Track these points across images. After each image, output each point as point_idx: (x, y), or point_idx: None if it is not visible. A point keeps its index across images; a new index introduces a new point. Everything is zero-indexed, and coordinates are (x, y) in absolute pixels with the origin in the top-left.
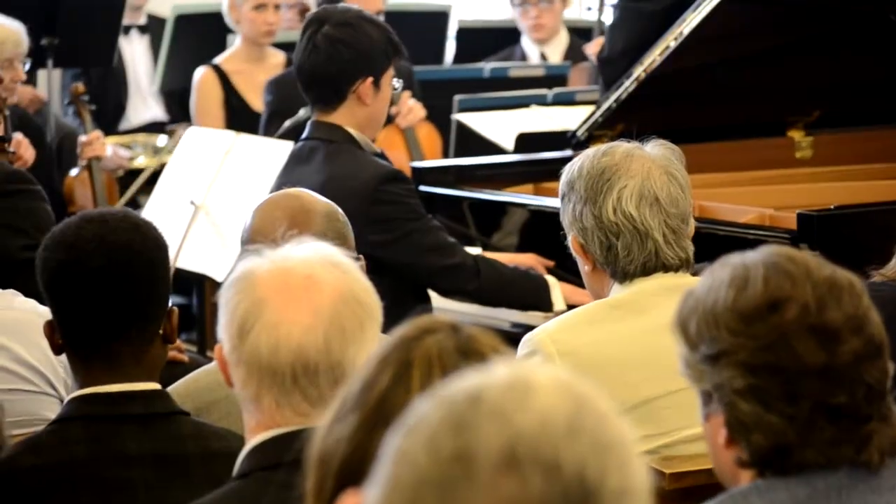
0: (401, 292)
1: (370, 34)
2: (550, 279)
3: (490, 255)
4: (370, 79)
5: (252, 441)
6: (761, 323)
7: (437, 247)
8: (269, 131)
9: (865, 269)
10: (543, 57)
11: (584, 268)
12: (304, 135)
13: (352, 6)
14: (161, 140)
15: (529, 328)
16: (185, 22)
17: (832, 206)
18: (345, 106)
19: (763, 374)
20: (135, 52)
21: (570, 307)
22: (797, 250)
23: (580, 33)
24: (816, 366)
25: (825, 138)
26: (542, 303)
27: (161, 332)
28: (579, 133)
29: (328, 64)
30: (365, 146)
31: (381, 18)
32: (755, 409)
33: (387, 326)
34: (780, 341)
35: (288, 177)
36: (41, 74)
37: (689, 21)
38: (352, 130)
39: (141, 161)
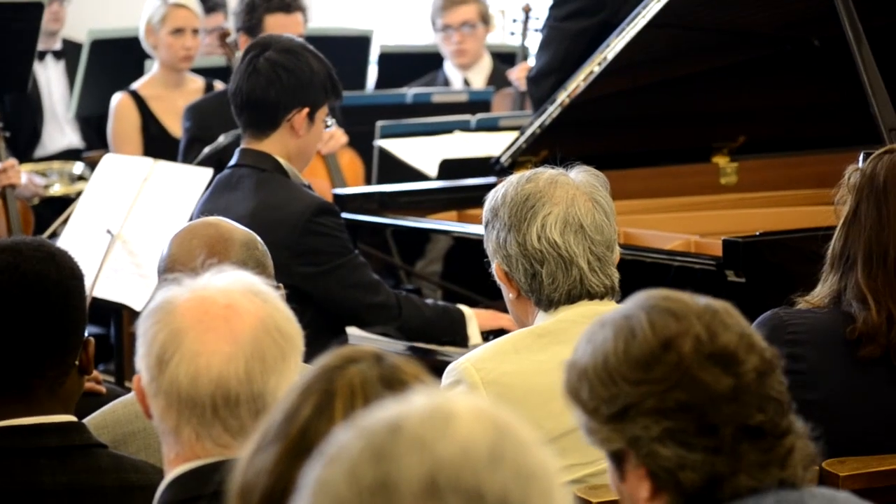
0: (322, 322)
1: (312, 66)
2: (467, 312)
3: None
4: (306, 110)
5: (171, 474)
6: (660, 365)
7: (363, 284)
8: (188, 158)
9: (791, 296)
10: (466, 82)
11: (508, 295)
12: (233, 161)
13: (295, 37)
14: (77, 167)
15: (423, 351)
16: (102, 47)
17: (757, 233)
18: (277, 134)
19: (676, 414)
20: (50, 78)
21: (497, 331)
22: (668, 290)
23: (504, 58)
24: (726, 391)
25: (750, 164)
26: (459, 338)
27: (77, 363)
28: (503, 159)
29: (267, 88)
30: (293, 177)
31: None
32: (677, 451)
33: (308, 356)
34: (684, 377)
35: (214, 203)
36: None
37: (614, 46)
38: (281, 160)
39: (56, 189)
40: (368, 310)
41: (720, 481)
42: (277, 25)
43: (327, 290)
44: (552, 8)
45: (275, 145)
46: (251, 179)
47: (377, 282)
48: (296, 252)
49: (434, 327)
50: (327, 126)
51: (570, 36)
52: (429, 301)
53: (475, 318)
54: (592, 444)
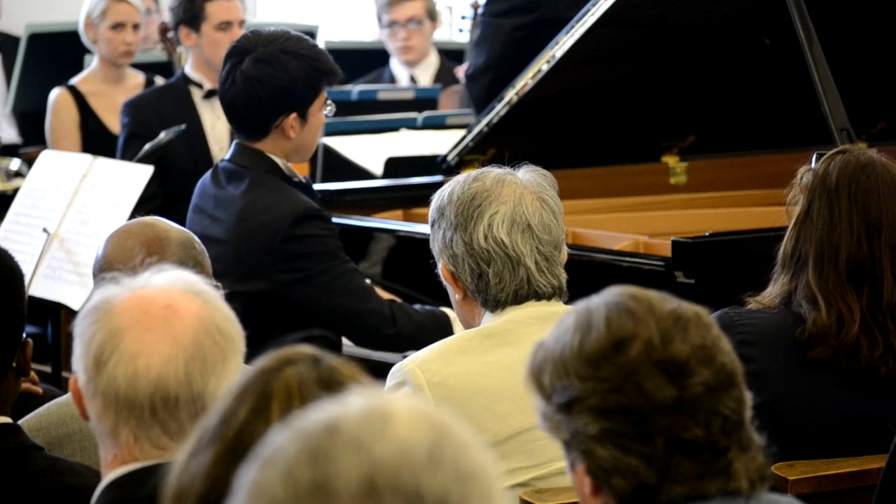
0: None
1: (289, 70)
2: (450, 313)
3: None
4: (293, 114)
5: (108, 476)
6: (608, 364)
7: (351, 290)
8: (127, 154)
9: (741, 297)
10: (413, 80)
11: (454, 296)
12: (228, 156)
13: (276, 34)
14: (14, 164)
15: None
16: (40, 41)
17: (707, 233)
18: (269, 138)
19: (615, 416)
20: None
21: None
22: (641, 289)
23: (451, 55)
24: (667, 401)
25: (700, 164)
26: None
27: (14, 364)
28: (450, 158)
29: (245, 103)
30: (288, 173)
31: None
32: (613, 453)
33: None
34: (628, 381)
35: (222, 191)
36: None
37: (562, 44)
38: (276, 159)
39: None
40: (359, 317)
41: (652, 490)
42: (220, 11)
43: (310, 298)
44: (487, 4)
45: (269, 146)
46: (243, 180)
47: (367, 287)
48: (276, 258)
49: (425, 332)
50: (328, 115)
51: (506, 32)
52: (416, 306)
53: (458, 322)
54: (545, 429)
